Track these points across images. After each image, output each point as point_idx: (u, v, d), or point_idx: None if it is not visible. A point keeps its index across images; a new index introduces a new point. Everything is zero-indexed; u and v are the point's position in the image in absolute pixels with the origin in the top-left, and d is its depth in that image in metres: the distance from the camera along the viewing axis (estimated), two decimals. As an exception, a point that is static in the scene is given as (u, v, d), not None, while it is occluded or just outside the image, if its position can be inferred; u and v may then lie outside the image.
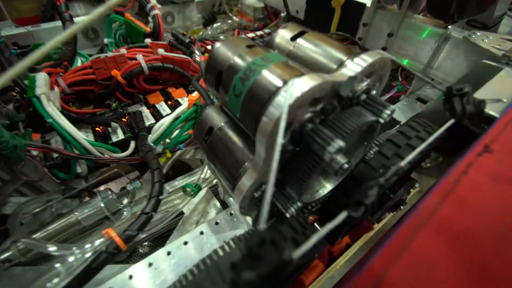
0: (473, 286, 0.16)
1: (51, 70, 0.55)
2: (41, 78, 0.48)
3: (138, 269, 0.32)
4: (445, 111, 0.31)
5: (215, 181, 0.51)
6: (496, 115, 0.31)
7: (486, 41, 0.48)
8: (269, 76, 0.22)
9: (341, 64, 0.26)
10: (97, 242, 0.37)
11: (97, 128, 0.54)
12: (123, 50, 0.63)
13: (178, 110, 0.47)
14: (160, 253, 0.34)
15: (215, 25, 1.05)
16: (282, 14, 1.07)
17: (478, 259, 0.17)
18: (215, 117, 0.32)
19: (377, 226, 0.53)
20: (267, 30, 0.92)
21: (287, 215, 0.26)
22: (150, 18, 0.76)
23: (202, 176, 0.47)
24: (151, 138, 0.48)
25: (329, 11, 0.69)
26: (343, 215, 0.20)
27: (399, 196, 0.42)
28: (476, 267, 0.17)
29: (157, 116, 0.59)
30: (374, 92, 0.29)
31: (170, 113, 0.58)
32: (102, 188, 0.55)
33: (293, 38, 0.30)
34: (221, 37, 0.99)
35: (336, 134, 0.22)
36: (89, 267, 0.30)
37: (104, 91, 0.61)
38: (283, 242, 0.20)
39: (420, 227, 0.18)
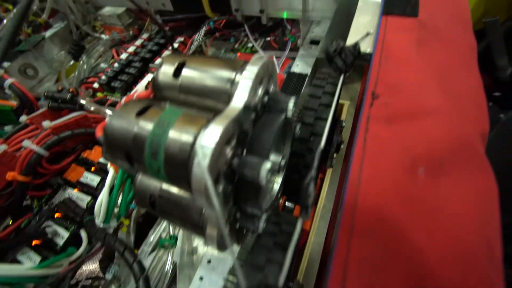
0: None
1: None
2: None
3: None
4: (332, 70, 0.34)
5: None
6: (370, 50, 0.35)
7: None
8: (176, 142, 0.22)
9: (232, 82, 0.27)
10: None
11: (34, 242, 0.48)
12: (2, 146, 0.53)
13: (108, 180, 0.44)
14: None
15: (87, 54, 0.91)
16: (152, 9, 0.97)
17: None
18: (150, 184, 0.30)
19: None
20: (145, 35, 0.84)
21: (259, 231, 0.29)
22: (7, 91, 0.63)
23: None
24: (98, 220, 0.45)
25: (196, -5, 0.66)
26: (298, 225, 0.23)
27: (336, 142, 0.47)
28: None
29: (89, 190, 0.54)
30: (271, 87, 0.30)
31: (100, 180, 0.54)
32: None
33: (176, 74, 0.29)
34: (102, 65, 0.88)
35: (260, 156, 0.24)
36: None
37: (12, 199, 0.52)
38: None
39: (355, 204, 0.22)
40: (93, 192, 0.53)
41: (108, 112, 0.59)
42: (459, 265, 0.20)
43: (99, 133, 0.35)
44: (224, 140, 0.22)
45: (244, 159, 0.23)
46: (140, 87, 0.68)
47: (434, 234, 0.21)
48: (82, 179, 0.55)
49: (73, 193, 0.54)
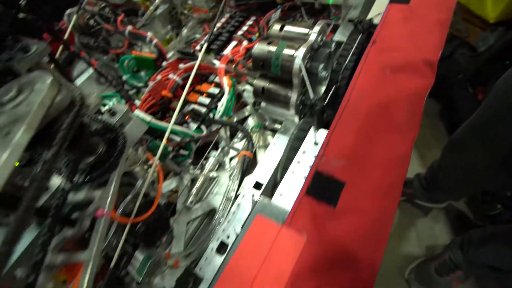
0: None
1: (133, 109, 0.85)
2: (140, 114, 0.79)
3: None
4: (357, 31, 0.65)
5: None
6: (377, 22, 0.66)
7: (369, -27, 0.81)
8: (287, 53, 0.56)
9: (307, 33, 0.60)
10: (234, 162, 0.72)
11: (179, 128, 0.86)
12: (158, 77, 0.92)
13: (226, 91, 0.80)
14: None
15: (185, 28, 1.30)
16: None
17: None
18: (261, 82, 0.65)
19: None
20: (227, 15, 1.19)
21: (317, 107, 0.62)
22: (152, 47, 1.03)
23: (253, 123, 0.82)
24: (219, 115, 0.81)
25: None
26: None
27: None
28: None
29: (203, 105, 0.91)
30: (324, 37, 0.63)
31: (209, 102, 0.91)
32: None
33: (280, 30, 0.62)
34: (197, 35, 1.25)
35: (318, 62, 0.57)
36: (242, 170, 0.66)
37: (163, 106, 0.92)
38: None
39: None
40: (206, 106, 0.90)
41: (215, 62, 0.95)
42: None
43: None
44: (306, 54, 0.55)
45: (311, 63, 0.56)
46: (228, 50, 1.04)
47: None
48: (199, 100, 0.93)
49: (195, 106, 0.92)
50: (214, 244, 0.58)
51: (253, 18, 1.11)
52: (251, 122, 0.85)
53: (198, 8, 1.35)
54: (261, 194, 0.59)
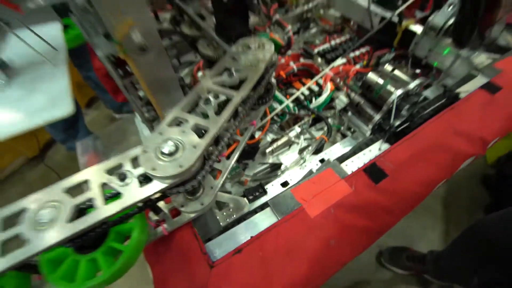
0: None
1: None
2: (263, 79, 1.10)
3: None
4: (443, 96, 0.87)
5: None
6: (462, 96, 0.88)
7: (477, 58, 1.01)
8: (389, 89, 0.81)
9: (408, 81, 0.84)
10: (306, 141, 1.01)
11: (280, 101, 1.17)
12: (282, 60, 1.23)
13: (327, 92, 1.08)
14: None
15: (309, 32, 1.59)
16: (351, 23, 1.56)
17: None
18: (359, 98, 0.91)
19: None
20: (343, 38, 1.45)
21: (392, 129, 0.87)
22: (285, 37, 1.34)
23: (332, 123, 1.09)
24: (313, 106, 1.10)
25: (394, 32, 1.22)
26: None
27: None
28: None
29: (302, 94, 1.20)
30: (419, 89, 0.86)
31: (308, 94, 1.19)
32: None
33: (392, 71, 0.88)
34: (316, 41, 1.54)
35: (406, 103, 0.81)
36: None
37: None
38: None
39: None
40: (305, 97, 1.19)
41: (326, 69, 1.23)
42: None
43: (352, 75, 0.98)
44: (401, 94, 0.79)
45: (401, 102, 0.81)
46: (337, 63, 1.30)
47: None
48: (300, 89, 1.22)
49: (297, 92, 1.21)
50: (279, 180, 0.87)
51: (367, 48, 1.36)
52: (329, 121, 1.12)
53: (325, 19, 1.63)
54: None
